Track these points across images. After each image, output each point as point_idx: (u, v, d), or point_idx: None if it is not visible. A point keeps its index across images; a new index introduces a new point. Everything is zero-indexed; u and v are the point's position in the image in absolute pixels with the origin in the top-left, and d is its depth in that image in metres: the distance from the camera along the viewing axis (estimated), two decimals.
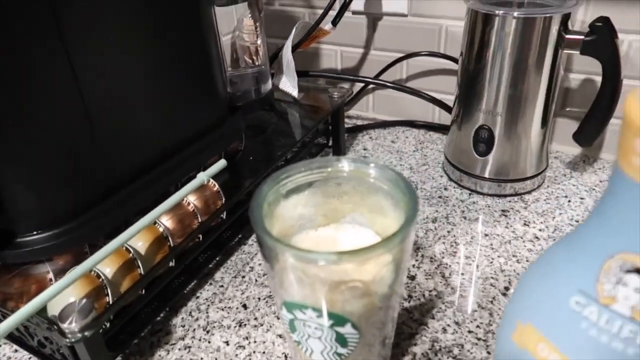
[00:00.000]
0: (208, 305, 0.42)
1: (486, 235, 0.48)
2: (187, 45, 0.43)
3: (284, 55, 0.58)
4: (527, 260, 0.45)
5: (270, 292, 0.43)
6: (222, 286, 0.44)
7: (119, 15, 0.36)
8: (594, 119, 0.49)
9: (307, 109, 0.61)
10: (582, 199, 0.53)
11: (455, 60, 0.60)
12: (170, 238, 0.41)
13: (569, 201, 0.53)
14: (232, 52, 0.54)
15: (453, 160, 0.56)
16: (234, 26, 0.54)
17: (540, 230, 0.49)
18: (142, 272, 0.38)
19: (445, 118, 0.65)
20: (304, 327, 0.28)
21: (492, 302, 0.41)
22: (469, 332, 0.38)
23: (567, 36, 0.46)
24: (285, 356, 0.37)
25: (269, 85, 0.56)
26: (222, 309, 0.42)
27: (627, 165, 0.18)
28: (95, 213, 0.38)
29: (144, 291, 0.39)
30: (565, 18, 0.45)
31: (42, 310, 0.33)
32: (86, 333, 0.31)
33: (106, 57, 0.36)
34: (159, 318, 0.41)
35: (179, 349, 0.39)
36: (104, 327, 0.36)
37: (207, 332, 0.40)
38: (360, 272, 0.26)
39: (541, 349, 0.22)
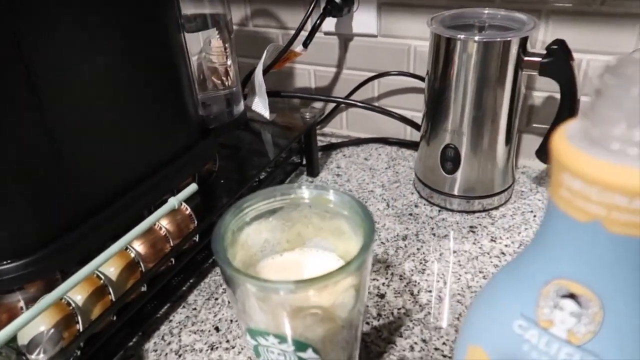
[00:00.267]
0: (181, 329, 0.43)
1: (454, 252, 0.50)
2: (156, 70, 0.43)
3: (255, 77, 0.59)
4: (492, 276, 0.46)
5: None
6: (195, 309, 0.45)
7: (87, 40, 0.36)
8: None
9: (281, 129, 0.62)
10: None
11: (423, 79, 0.62)
12: (141, 263, 0.42)
13: (535, 216, 0.54)
14: (199, 73, 0.55)
15: (423, 178, 0.57)
16: (200, 47, 0.55)
17: (506, 245, 0.50)
18: (113, 299, 0.39)
19: (416, 134, 0.67)
20: (268, 352, 0.28)
21: (458, 318, 0.42)
22: (436, 349, 0.39)
23: (526, 58, 0.48)
24: None
25: (241, 106, 0.57)
26: (195, 332, 0.42)
27: (557, 197, 0.19)
28: (66, 241, 0.38)
29: (115, 317, 0.39)
30: (524, 41, 0.47)
31: (12, 339, 0.33)
32: None
33: (73, 82, 0.36)
34: (131, 343, 0.42)
35: None
36: (74, 355, 0.36)
37: (180, 356, 0.40)
38: (321, 298, 0.27)
39: None
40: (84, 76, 0.37)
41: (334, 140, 0.72)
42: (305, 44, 0.62)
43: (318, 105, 0.72)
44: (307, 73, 0.73)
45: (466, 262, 0.48)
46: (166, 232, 0.44)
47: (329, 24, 0.66)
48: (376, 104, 0.69)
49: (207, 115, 0.55)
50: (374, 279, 0.47)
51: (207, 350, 0.41)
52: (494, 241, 0.51)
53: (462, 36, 0.47)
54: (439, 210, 0.56)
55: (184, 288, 0.47)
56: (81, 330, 0.36)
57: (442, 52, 0.50)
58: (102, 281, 0.39)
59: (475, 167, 0.53)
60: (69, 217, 0.38)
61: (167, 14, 0.43)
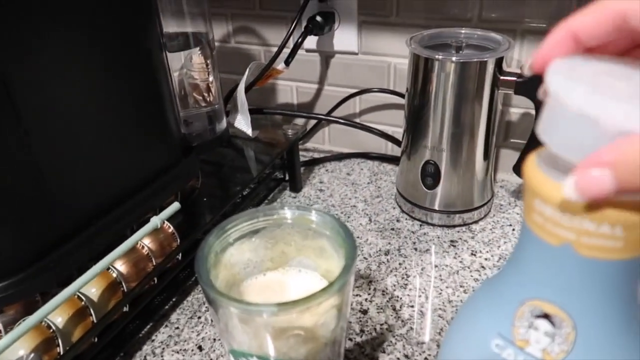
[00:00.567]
0: (163, 349, 0.43)
1: (436, 266, 0.50)
2: (138, 89, 0.43)
3: (238, 95, 0.60)
4: (473, 290, 0.47)
5: None
6: (177, 328, 0.45)
7: (68, 58, 0.36)
8: (530, 153, 0.52)
9: (264, 145, 0.63)
10: None
11: (403, 96, 0.63)
12: (123, 283, 0.41)
13: (513, 229, 0.55)
14: (180, 89, 0.55)
15: (404, 193, 0.58)
16: (181, 64, 0.55)
17: (486, 259, 0.51)
18: (95, 320, 0.38)
19: (398, 149, 0.68)
20: None
21: (439, 333, 0.43)
22: None
23: (502, 77, 0.49)
24: None
25: (223, 124, 0.57)
26: (178, 352, 0.42)
27: (530, 221, 0.20)
28: (47, 262, 0.37)
29: (96, 339, 0.39)
30: (499, 61, 0.49)
31: None
32: None
33: (54, 100, 0.36)
34: None
35: None
36: None
37: None
38: (303, 319, 0.27)
39: None
40: (65, 94, 0.37)
41: (316, 155, 0.73)
42: (287, 62, 0.62)
43: (300, 121, 0.73)
44: (290, 90, 0.74)
45: (447, 277, 0.49)
46: (149, 251, 0.44)
47: (311, 41, 0.67)
48: (357, 120, 0.70)
49: (189, 133, 0.56)
50: (356, 295, 0.47)
51: None
52: (474, 255, 0.52)
53: (440, 56, 0.49)
54: (421, 225, 0.57)
55: (166, 307, 0.47)
56: (62, 353, 0.36)
57: (421, 71, 0.51)
58: (83, 302, 0.39)
59: (455, 182, 0.54)
60: (50, 238, 0.38)
61: (149, 33, 0.43)
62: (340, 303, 0.28)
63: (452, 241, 0.54)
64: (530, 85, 0.48)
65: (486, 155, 0.54)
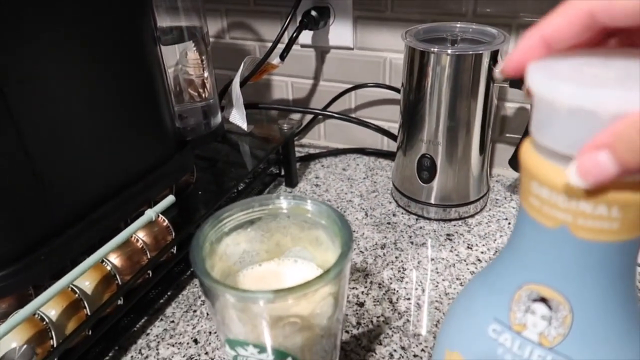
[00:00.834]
0: (158, 342, 0.42)
1: (432, 259, 0.50)
2: (132, 82, 0.43)
3: (233, 89, 0.60)
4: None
5: None
6: (173, 321, 0.44)
7: (62, 52, 0.36)
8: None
9: (259, 140, 0.62)
10: None
11: (398, 90, 0.63)
12: (118, 276, 0.41)
13: (509, 223, 0.56)
14: (176, 85, 0.55)
15: (400, 187, 0.58)
16: (176, 59, 0.55)
17: (482, 252, 0.51)
18: (89, 313, 0.38)
19: (393, 144, 0.68)
20: None
21: (436, 325, 0.43)
22: (415, 356, 0.40)
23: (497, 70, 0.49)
24: None
25: (218, 118, 0.57)
26: (173, 345, 0.42)
27: (527, 204, 0.20)
28: (40, 254, 0.37)
29: (90, 332, 0.39)
30: (495, 54, 0.49)
31: None
32: None
33: (48, 93, 0.36)
34: (107, 358, 0.41)
35: None
36: None
37: None
38: (299, 307, 0.27)
39: None
40: (59, 87, 0.37)
41: (312, 150, 0.73)
42: (282, 57, 0.62)
43: (296, 116, 0.73)
44: (285, 85, 0.74)
45: (443, 270, 0.49)
46: (143, 245, 0.44)
47: (306, 36, 0.67)
48: (353, 115, 0.70)
49: (184, 127, 0.55)
50: (353, 288, 0.47)
51: None
52: (470, 248, 0.52)
53: (436, 49, 0.48)
54: (417, 219, 0.57)
55: (161, 301, 0.47)
56: (55, 345, 0.35)
57: (417, 65, 0.51)
58: (77, 295, 0.38)
59: (451, 176, 0.54)
60: (43, 231, 0.38)
61: (143, 26, 0.43)
62: (336, 291, 0.28)
63: (448, 235, 0.54)
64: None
65: (482, 149, 0.54)
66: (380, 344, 0.41)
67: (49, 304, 0.36)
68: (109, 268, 0.41)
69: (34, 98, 0.35)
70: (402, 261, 0.50)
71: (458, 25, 0.54)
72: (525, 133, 0.52)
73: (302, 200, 0.32)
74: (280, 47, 0.62)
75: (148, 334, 0.43)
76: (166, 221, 0.46)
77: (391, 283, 0.47)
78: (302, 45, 0.69)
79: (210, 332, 0.43)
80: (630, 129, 0.15)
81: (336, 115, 0.66)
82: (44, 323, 0.36)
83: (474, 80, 0.49)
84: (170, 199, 0.45)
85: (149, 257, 0.44)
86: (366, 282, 0.48)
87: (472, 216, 0.57)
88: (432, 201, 0.56)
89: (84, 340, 0.38)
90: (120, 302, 0.41)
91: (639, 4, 0.17)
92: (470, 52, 0.48)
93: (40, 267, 0.37)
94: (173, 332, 0.43)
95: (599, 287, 0.19)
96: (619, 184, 0.17)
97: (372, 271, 0.49)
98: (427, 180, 0.55)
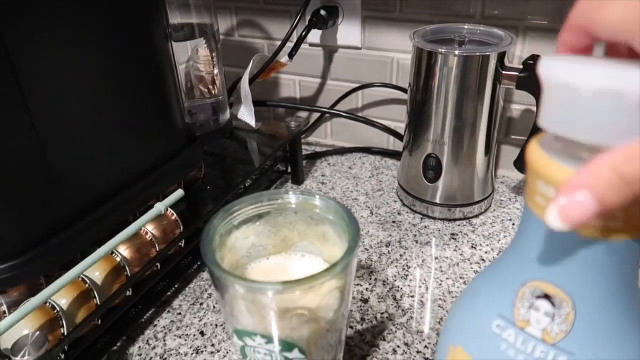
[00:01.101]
0: (165, 333, 0.43)
1: (436, 258, 0.51)
2: (144, 78, 0.44)
3: (242, 86, 0.60)
4: None
5: None
6: (179, 313, 0.45)
7: (74, 46, 0.37)
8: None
9: (266, 137, 0.63)
10: None
11: (405, 90, 0.63)
12: (127, 267, 0.42)
13: (513, 224, 0.56)
14: (187, 81, 0.56)
15: (405, 187, 0.59)
16: (187, 56, 0.55)
17: (486, 252, 0.52)
18: (98, 302, 0.39)
19: (399, 144, 0.68)
20: (254, 353, 0.29)
21: (439, 322, 0.43)
22: (418, 352, 0.40)
23: (504, 72, 0.50)
24: None
25: (227, 115, 0.58)
26: (180, 337, 0.43)
27: (532, 203, 0.21)
28: (50, 245, 0.38)
29: (99, 321, 0.39)
30: (502, 56, 0.49)
31: None
32: None
33: (60, 87, 0.36)
34: (115, 347, 0.42)
35: None
36: (58, 358, 0.36)
37: (164, 359, 0.41)
38: (307, 299, 0.27)
39: None
40: (70, 82, 0.37)
41: (318, 149, 0.73)
42: (291, 55, 0.63)
43: (303, 114, 0.73)
44: (293, 83, 0.74)
45: (447, 268, 0.49)
46: (152, 237, 0.45)
47: (314, 35, 0.68)
48: (360, 114, 0.71)
49: (193, 123, 0.56)
50: (357, 284, 0.48)
51: (192, 354, 0.41)
52: (474, 248, 0.52)
53: (443, 50, 0.49)
54: (421, 218, 0.57)
55: (168, 293, 0.47)
56: (65, 333, 0.36)
57: (424, 65, 0.51)
58: (87, 285, 0.39)
59: (456, 176, 0.55)
60: (54, 221, 0.38)
61: (155, 23, 0.44)
62: (342, 285, 0.29)
63: (452, 234, 0.55)
64: (532, 80, 0.48)
65: (487, 149, 0.54)
66: (384, 340, 0.42)
67: (60, 293, 0.37)
68: (118, 259, 0.42)
69: (48, 90, 0.35)
70: (406, 259, 0.51)
71: (466, 27, 0.54)
72: (531, 135, 0.52)
73: (311, 195, 0.32)
74: (289, 45, 0.63)
75: (155, 325, 0.44)
76: (175, 215, 0.47)
77: (395, 280, 0.48)
78: (311, 44, 0.69)
79: (216, 325, 0.44)
80: (606, 168, 0.16)
81: (343, 114, 0.66)
82: (55, 311, 0.37)
83: (481, 82, 0.50)
84: (179, 192, 0.45)
85: (157, 249, 0.44)
86: (370, 279, 0.48)
87: (476, 216, 0.57)
88: (437, 201, 0.56)
89: (93, 330, 0.39)
90: (129, 293, 0.42)
91: (618, 21, 0.17)
92: (478, 54, 0.48)
93: (51, 258, 0.38)
94: (180, 324, 0.44)
95: (602, 285, 0.20)
96: None
97: (376, 268, 0.50)
98: (433, 179, 0.55)
